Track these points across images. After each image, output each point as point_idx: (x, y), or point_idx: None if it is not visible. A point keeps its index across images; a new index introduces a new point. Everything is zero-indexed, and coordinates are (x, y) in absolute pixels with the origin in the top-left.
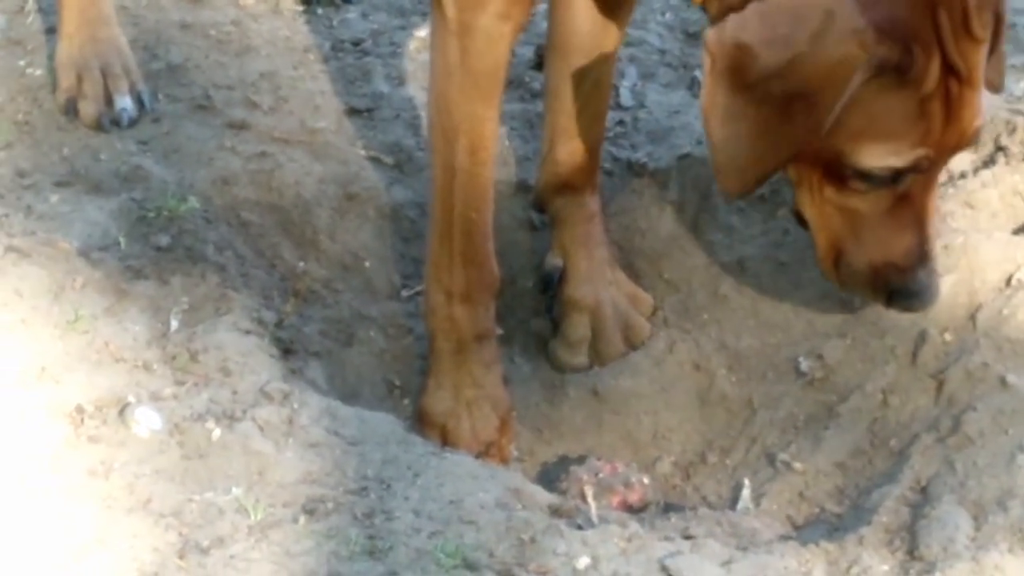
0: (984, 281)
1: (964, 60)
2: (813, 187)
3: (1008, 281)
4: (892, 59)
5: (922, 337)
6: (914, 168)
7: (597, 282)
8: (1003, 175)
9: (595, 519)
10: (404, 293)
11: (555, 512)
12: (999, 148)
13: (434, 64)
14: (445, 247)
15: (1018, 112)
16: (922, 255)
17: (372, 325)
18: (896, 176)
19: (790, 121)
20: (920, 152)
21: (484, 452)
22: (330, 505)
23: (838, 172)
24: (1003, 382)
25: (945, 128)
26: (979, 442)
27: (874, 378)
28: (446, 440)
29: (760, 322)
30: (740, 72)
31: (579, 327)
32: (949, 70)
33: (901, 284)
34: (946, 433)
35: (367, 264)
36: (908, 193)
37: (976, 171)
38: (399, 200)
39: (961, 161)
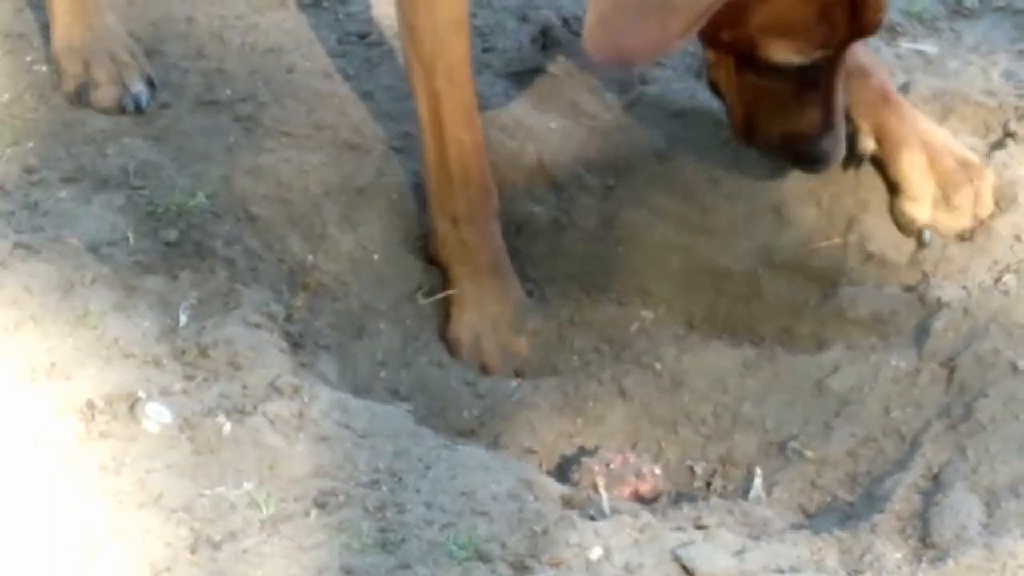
0: (993, 265)
1: None
2: (728, 66)
3: (1017, 266)
4: None
5: (932, 324)
6: (817, 63)
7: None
8: (1012, 160)
9: (607, 510)
10: (421, 300)
11: (567, 503)
12: (1008, 134)
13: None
14: (443, 174)
15: None
16: (827, 125)
17: (382, 319)
18: (801, 69)
19: None
20: (822, 52)
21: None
22: (341, 498)
23: (749, 58)
24: (1014, 368)
25: (848, 25)
26: (991, 428)
27: (883, 366)
28: (482, 363)
29: None
30: None
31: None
32: None
33: (807, 150)
34: (957, 420)
35: (376, 257)
36: (815, 77)
37: (986, 156)
38: (409, 192)
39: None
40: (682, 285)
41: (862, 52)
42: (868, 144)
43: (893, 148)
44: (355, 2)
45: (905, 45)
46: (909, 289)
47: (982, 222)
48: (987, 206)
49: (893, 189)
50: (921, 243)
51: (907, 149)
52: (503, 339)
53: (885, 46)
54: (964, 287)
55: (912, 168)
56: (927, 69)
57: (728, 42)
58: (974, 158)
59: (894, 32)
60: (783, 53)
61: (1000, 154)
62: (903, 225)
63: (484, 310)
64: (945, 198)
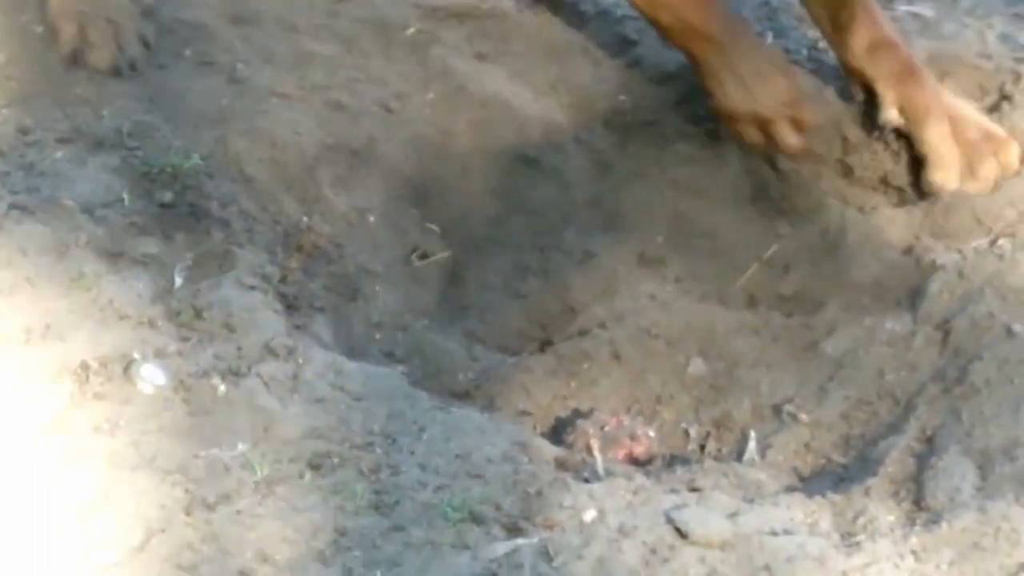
0: (988, 229)
1: None
2: None
3: (1012, 230)
4: None
5: (927, 287)
6: None
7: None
8: (1007, 124)
9: (601, 472)
10: (416, 263)
11: (561, 465)
12: (1004, 97)
13: None
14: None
15: (1021, 60)
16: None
17: (377, 281)
18: None
19: None
20: None
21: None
22: (336, 460)
23: None
24: (1009, 331)
25: None
26: (985, 392)
27: (879, 329)
28: (759, 122)
29: None
30: None
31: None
32: None
33: None
34: (952, 383)
35: (371, 220)
36: None
37: None
38: (404, 154)
39: None
40: (678, 248)
41: (887, 25)
42: (892, 115)
43: (919, 119)
44: None
45: (901, 8)
46: (905, 252)
47: None
48: (1012, 176)
49: (919, 160)
50: None
51: (933, 120)
52: (772, 91)
53: (882, 9)
54: (959, 251)
55: (939, 138)
56: (923, 32)
57: None
58: (998, 129)
59: None
60: None
61: (995, 117)
62: (931, 195)
63: (738, 71)
64: (971, 168)
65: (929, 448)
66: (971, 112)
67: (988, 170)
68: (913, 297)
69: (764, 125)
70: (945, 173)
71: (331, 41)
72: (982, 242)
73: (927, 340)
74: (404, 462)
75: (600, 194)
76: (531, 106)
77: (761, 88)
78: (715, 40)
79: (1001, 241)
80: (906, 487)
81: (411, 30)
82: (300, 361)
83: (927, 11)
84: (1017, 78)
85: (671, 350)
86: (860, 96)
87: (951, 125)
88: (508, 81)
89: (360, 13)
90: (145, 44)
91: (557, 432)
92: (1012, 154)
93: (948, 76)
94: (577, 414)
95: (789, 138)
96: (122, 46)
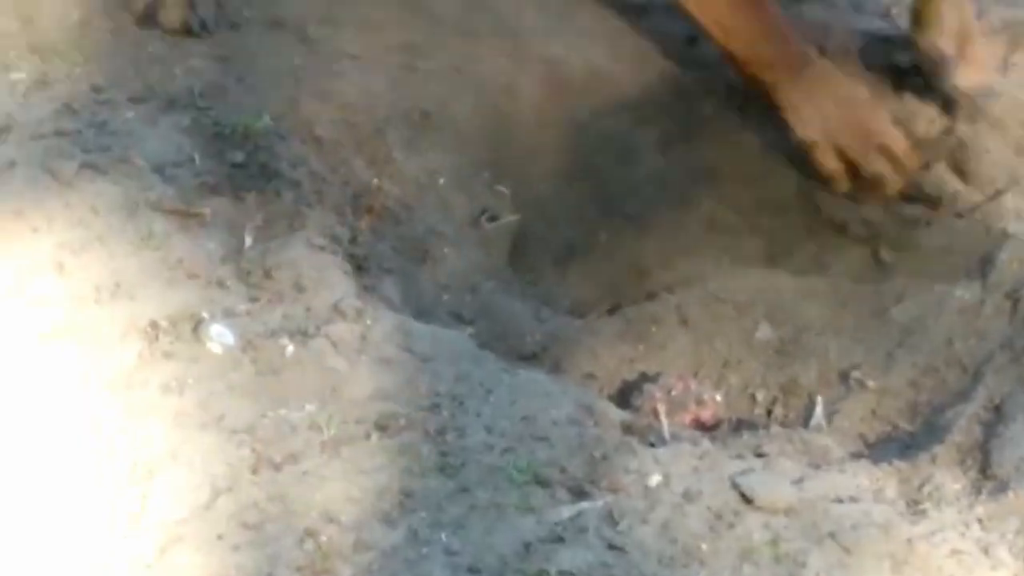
0: None
1: None
2: None
3: None
4: None
5: (997, 255)
6: None
7: None
8: None
9: (667, 436)
10: (486, 225)
11: (627, 429)
12: None
13: None
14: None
15: None
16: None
17: (446, 243)
18: None
19: None
20: None
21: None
22: (402, 422)
23: None
24: None
25: None
26: None
27: (947, 297)
28: (840, 150)
29: None
30: None
31: None
32: None
33: None
34: (1021, 352)
35: (441, 182)
36: None
37: None
38: (474, 116)
39: None
40: (747, 216)
41: None
42: None
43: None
44: None
45: None
46: (975, 220)
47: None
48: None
49: (920, 23)
50: None
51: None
52: (857, 116)
53: None
54: None
55: (948, 9)
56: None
57: None
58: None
59: None
60: None
61: None
62: (929, 54)
63: (817, 99)
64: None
65: (996, 416)
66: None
67: (977, 67)
68: (983, 265)
69: (845, 152)
70: (942, 38)
71: (402, 4)
72: None
73: (996, 308)
74: (470, 424)
75: (668, 159)
76: (598, 69)
77: (839, 115)
78: (790, 70)
79: None
80: (972, 455)
81: None
82: (368, 322)
83: None
84: None
85: (739, 315)
86: None
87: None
88: (577, 43)
89: None
90: (217, 4)
91: (624, 396)
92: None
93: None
94: (644, 378)
95: (878, 166)
96: (194, 5)
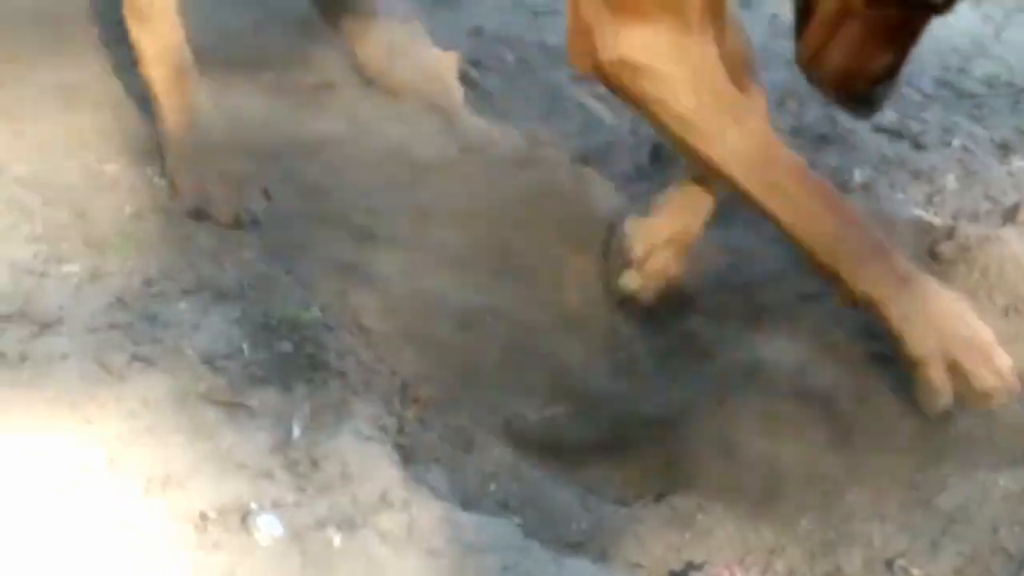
0: None
1: None
2: None
3: None
4: None
5: None
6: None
7: None
8: None
9: None
10: (531, 416)
11: None
12: None
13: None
14: (810, 224)
15: None
16: (894, 71)
17: (493, 432)
18: (916, 8)
19: None
20: None
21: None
22: None
23: None
24: None
25: None
26: None
27: (994, 484)
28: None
29: None
30: None
31: None
32: None
33: (866, 91)
34: None
35: (487, 371)
36: (915, 19)
37: None
38: (520, 311)
39: None
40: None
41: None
42: None
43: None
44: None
45: (1018, 162)
46: (1017, 408)
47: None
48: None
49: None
50: None
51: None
52: (969, 335)
53: (997, 163)
54: None
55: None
56: None
57: None
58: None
59: (1007, 149)
60: None
61: None
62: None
63: (931, 322)
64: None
65: None
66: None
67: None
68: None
69: (956, 368)
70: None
71: (448, 196)
72: None
73: None
74: None
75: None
76: None
77: (949, 332)
78: (902, 284)
79: None
80: None
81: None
82: (415, 512)
83: None
84: None
85: (785, 503)
86: None
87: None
88: None
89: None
90: (266, 195)
91: None
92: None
93: None
94: (691, 566)
95: (990, 381)
96: (244, 199)
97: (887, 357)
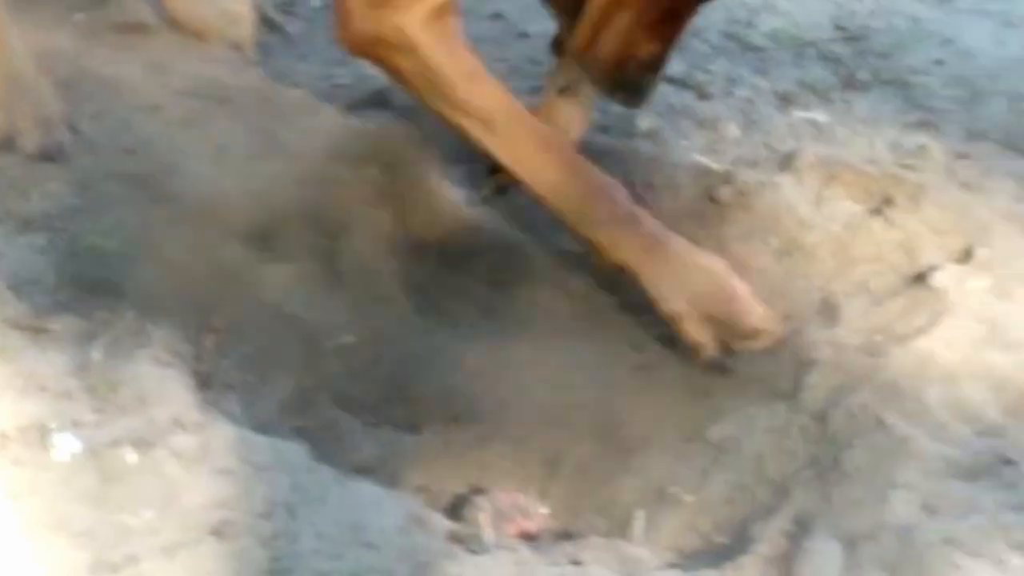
0: (865, 325)
1: None
2: None
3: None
4: None
5: (805, 379)
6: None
7: None
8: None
9: (489, 546)
10: (326, 344)
11: (453, 538)
12: (886, 201)
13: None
14: (557, 195)
15: (906, 167)
16: (660, 61)
17: (288, 361)
18: None
19: None
20: None
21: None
22: (238, 528)
23: None
24: (880, 422)
25: None
26: (855, 477)
27: (760, 417)
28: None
29: None
30: None
31: None
32: None
33: (634, 79)
34: (826, 470)
35: (284, 301)
36: (681, 7)
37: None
38: (319, 245)
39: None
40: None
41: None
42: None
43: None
44: None
45: (797, 113)
46: (785, 348)
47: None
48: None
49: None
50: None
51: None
52: (715, 291)
53: (778, 113)
54: (837, 344)
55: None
56: (817, 137)
57: None
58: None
59: (787, 101)
60: None
61: (878, 220)
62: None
63: (678, 281)
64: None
65: (801, 530)
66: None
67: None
68: (793, 389)
69: (713, 323)
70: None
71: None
72: (859, 338)
73: (804, 429)
74: (302, 532)
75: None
76: None
77: (705, 292)
78: (647, 254)
79: (876, 337)
80: (777, 566)
81: None
82: (208, 434)
83: (822, 117)
84: (900, 183)
85: (563, 434)
86: None
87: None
88: None
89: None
90: (73, 130)
91: (454, 508)
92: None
93: (834, 180)
94: (474, 490)
95: (744, 330)
96: (50, 132)
97: None
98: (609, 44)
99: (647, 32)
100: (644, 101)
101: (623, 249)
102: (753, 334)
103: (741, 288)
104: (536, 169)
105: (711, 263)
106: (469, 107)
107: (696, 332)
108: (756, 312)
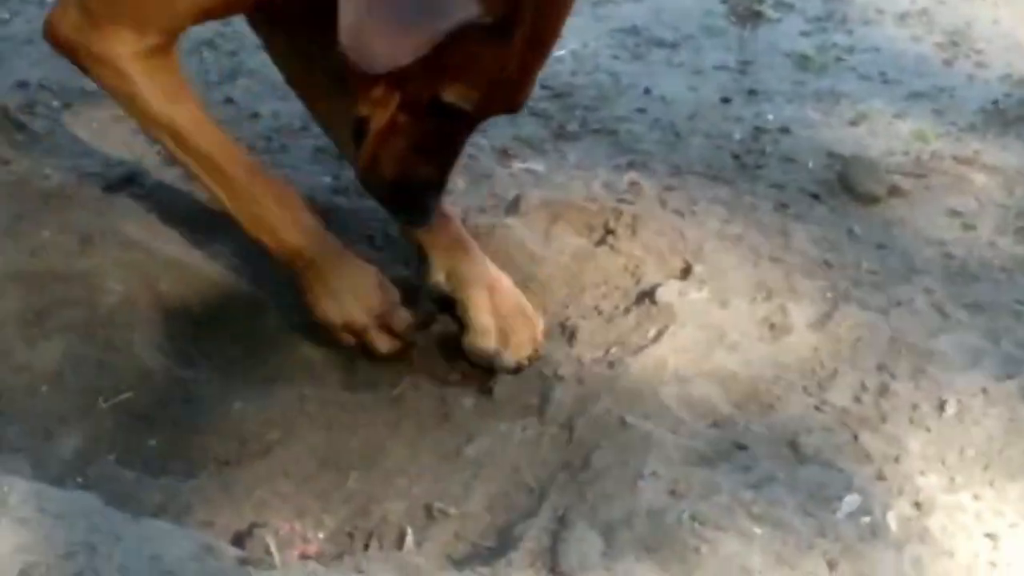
0: (602, 341)
1: (542, 37)
2: (386, 101)
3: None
4: (499, 18)
5: (551, 394)
6: (473, 114)
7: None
8: (614, 251)
9: (279, 564)
10: (103, 404)
11: (243, 561)
12: (608, 231)
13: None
14: (234, 199)
15: (622, 201)
16: (440, 183)
17: (70, 427)
18: (459, 115)
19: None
20: (484, 104)
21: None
22: (43, 570)
23: (415, 95)
24: (623, 422)
25: (510, 89)
26: (605, 474)
27: (513, 432)
28: (354, 331)
29: None
30: None
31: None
32: (530, 43)
33: (414, 199)
34: (577, 470)
35: (59, 369)
36: (453, 132)
37: (589, 252)
38: (99, 312)
39: (576, 244)
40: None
41: (445, 202)
42: (440, 281)
43: (463, 288)
44: None
45: (517, 165)
46: (532, 368)
47: (535, 359)
48: (539, 346)
49: (463, 326)
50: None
51: (476, 290)
52: (362, 301)
53: (499, 167)
54: (578, 360)
55: (479, 308)
56: (537, 184)
57: (412, 75)
58: (529, 306)
59: (506, 155)
60: (457, 96)
61: (603, 249)
62: (473, 356)
63: (329, 287)
64: (503, 337)
65: (560, 525)
66: (511, 287)
67: (520, 339)
68: (541, 403)
69: (359, 333)
70: (483, 338)
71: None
72: (597, 353)
73: (554, 438)
74: (104, 567)
75: None
76: None
77: (353, 301)
78: (311, 258)
79: (613, 350)
80: (542, 558)
81: None
82: (5, 489)
83: (539, 167)
84: (619, 215)
85: (333, 467)
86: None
87: (492, 297)
88: None
89: None
90: None
91: (238, 541)
92: (539, 328)
93: (560, 218)
94: (254, 525)
95: (382, 345)
96: None
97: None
98: (389, 167)
99: (424, 157)
100: (428, 219)
101: (288, 258)
102: (390, 349)
103: (394, 295)
104: (218, 180)
105: (372, 278)
106: (160, 121)
107: (346, 340)
108: (402, 316)
